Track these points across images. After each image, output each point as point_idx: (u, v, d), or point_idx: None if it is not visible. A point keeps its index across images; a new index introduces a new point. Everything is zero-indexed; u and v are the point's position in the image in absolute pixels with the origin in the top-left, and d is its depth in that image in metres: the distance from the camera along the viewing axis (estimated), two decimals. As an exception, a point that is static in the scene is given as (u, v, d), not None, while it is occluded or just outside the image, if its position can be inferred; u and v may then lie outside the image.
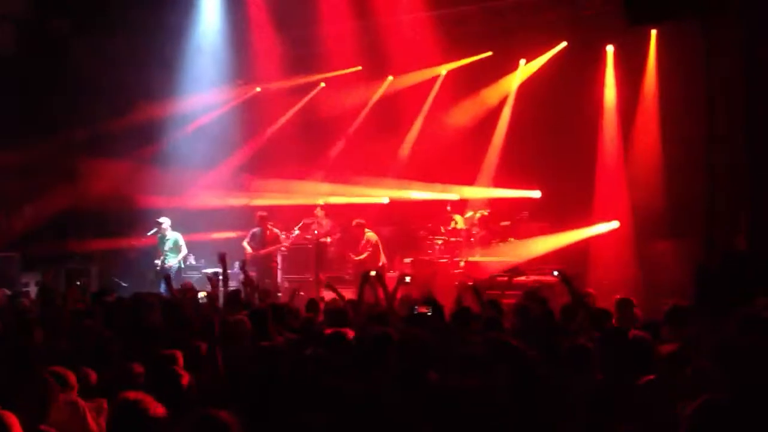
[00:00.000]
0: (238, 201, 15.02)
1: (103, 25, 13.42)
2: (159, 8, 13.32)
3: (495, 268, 11.76)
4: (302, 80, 15.67)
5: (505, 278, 9.30)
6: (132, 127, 14.13)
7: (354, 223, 13.21)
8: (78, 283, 10.11)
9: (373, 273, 7.60)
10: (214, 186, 15.03)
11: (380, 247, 12.92)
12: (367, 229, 13.01)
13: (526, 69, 14.14)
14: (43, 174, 13.57)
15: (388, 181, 14.64)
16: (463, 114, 14.36)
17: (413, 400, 3.80)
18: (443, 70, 14.84)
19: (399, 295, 7.60)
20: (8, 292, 9.55)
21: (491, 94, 14.38)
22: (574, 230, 12.45)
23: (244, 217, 14.27)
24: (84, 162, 14.08)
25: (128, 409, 3.55)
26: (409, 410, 3.68)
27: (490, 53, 14.10)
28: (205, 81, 15.01)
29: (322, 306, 7.97)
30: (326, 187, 14.82)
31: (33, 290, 11.72)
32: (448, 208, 13.57)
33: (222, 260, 8.14)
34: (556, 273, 7.66)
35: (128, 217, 14.12)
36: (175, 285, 11.62)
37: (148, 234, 13.10)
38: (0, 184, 13.25)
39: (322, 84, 15.74)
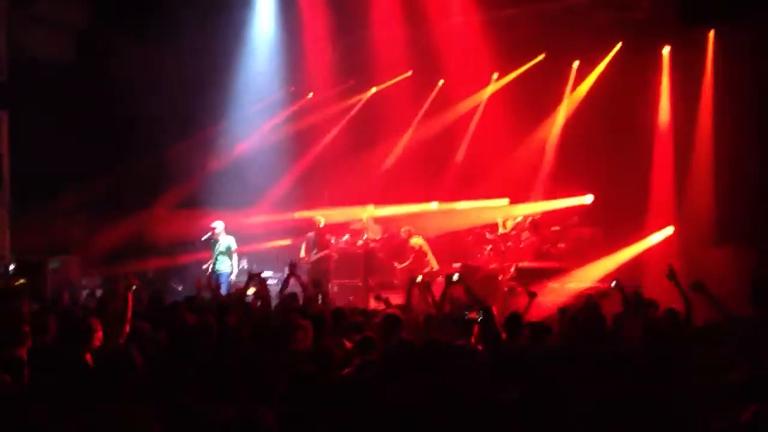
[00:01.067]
0: (292, 216, 15.14)
1: (158, 34, 13.68)
2: (214, 18, 13.54)
3: (545, 273, 11.68)
4: (354, 87, 15.80)
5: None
6: (191, 144, 14.48)
7: (402, 231, 13.28)
8: (134, 287, 10.27)
9: (419, 278, 7.63)
10: (271, 205, 15.22)
11: (427, 253, 12.90)
12: (414, 236, 13.03)
13: (587, 80, 13.93)
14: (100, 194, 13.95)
15: (439, 193, 14.66)
16: (516, 119, 14.22)
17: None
18: (495, 75, 14.80)
19: (449, 295, 7.61)
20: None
21: (544, 99, 14.22)
22: (629, 237, 12.26)
23: (299, 227, 14.44)
24: (142, 187, 14.40)
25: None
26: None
27: (542, 56, 14.01)
28: (260, 89, 15.23)
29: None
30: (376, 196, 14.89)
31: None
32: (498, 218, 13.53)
33: (291, 268, 8.35)
34: (614, 284, 7.60)
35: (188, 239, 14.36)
36: (229, 289, 11.96)
37: (202, 239, 13.25)
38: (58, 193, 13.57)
39: (374, 89, 15.81)
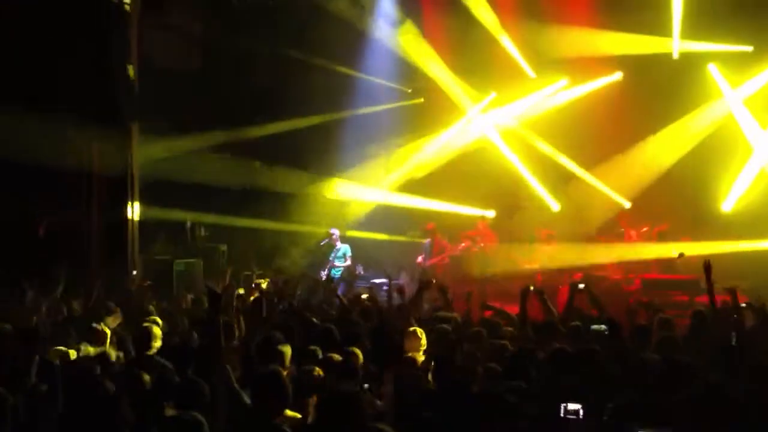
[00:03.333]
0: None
1: (283, 41, 13.88)
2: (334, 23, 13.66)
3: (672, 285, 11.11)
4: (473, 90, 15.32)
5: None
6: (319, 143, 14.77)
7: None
8: (253, 285, 10.58)
9: (532, 287, 7.40)
10: None
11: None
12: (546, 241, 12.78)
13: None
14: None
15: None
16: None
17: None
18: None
19: (574, 304, 7.37)
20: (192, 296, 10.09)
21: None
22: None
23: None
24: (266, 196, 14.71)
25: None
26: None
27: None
28: (379, 91, 15.20)
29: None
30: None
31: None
32: (622, 230, 13.00)
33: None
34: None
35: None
36: (345, 293, 12.01)
37: (320, 244, 13.49)
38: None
39: (494, 93, 15.30)
